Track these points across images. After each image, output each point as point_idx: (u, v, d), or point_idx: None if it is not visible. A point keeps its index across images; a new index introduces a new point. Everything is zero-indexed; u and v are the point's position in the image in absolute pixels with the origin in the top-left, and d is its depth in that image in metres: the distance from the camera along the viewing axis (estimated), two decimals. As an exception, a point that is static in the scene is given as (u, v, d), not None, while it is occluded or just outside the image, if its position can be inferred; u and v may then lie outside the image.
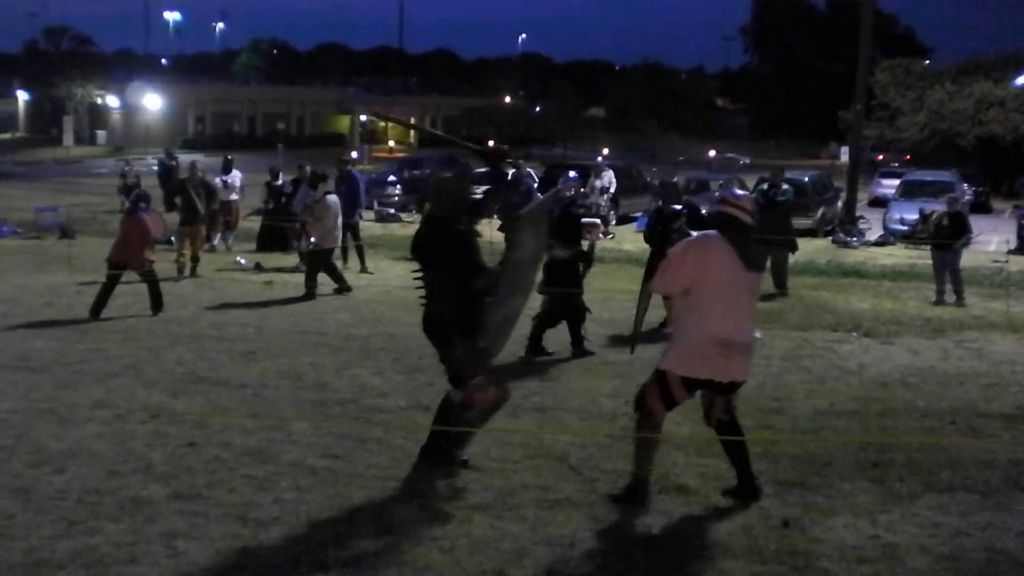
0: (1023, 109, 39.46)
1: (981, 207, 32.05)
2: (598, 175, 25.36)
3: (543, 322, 10.06)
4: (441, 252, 6.08)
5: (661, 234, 10.70)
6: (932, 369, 9.89)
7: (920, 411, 8.23)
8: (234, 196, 19.11)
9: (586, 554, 5.19)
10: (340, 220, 14.01)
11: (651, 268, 9.67)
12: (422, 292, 6.25)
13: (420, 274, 6.26)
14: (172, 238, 15.60)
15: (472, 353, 6.07)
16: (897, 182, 30.06)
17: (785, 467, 6.54)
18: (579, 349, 10.02)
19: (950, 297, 14.29)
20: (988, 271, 16.71)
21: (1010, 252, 19.37)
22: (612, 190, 25.04)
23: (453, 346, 6.08)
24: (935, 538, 5.48)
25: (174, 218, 15.43)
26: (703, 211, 11.03)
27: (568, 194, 10.20)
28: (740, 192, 6.16)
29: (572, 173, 11.24)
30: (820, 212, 24.54)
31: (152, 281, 11.87)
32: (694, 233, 7.32)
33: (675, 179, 11.87)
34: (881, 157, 48.01)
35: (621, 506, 5.78)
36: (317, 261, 13.60)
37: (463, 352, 6.07)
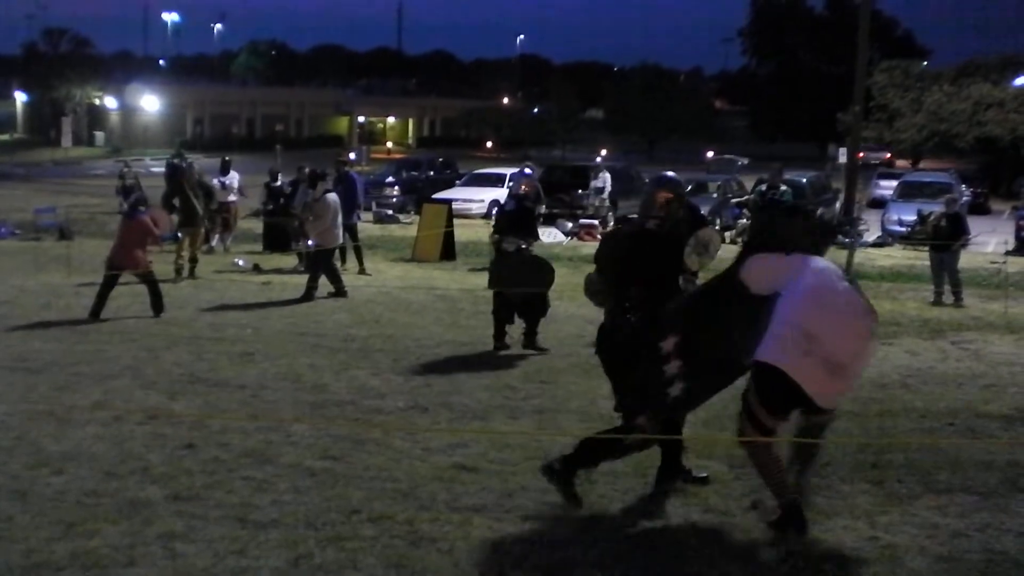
0: (1022, 110, 39.52)
1: (979, 208, 32.05)
2: (595, 176, 25.48)
3: (498, 314, 10.33)
4: (656, 261, 5.77)
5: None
6: (931, 370, 9.89)
7: (919, 412, 8.24)
8: (232, 197, 19.09)
9: (586, 556, 5.18)
10: (340, 219, 13.98)
11: None
12: (614, 315, 5.87)
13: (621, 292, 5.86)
14: (179, 233, 15.58)
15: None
16: (895, 183, 30.06)
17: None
18: (530, 343, 10.18)
19: (948, 298, 14.30)
20: (986, 272, 16.71)
21: (1008, 253, 19.40)
22: (607, 191, 25.17)
23: (643, 367, 5.62)
24: (934, 539, 5.48)
25: (173, 220, 15.39)
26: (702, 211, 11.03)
27: (522, 190, 10.59)
28: None
29: (527, 170, 11.41)
30: (818, 213, 24.52)
31: (152, 282, 11.86)
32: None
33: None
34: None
35: (785, 542, 5.32)
36: (320, 262, 13.55)
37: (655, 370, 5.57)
